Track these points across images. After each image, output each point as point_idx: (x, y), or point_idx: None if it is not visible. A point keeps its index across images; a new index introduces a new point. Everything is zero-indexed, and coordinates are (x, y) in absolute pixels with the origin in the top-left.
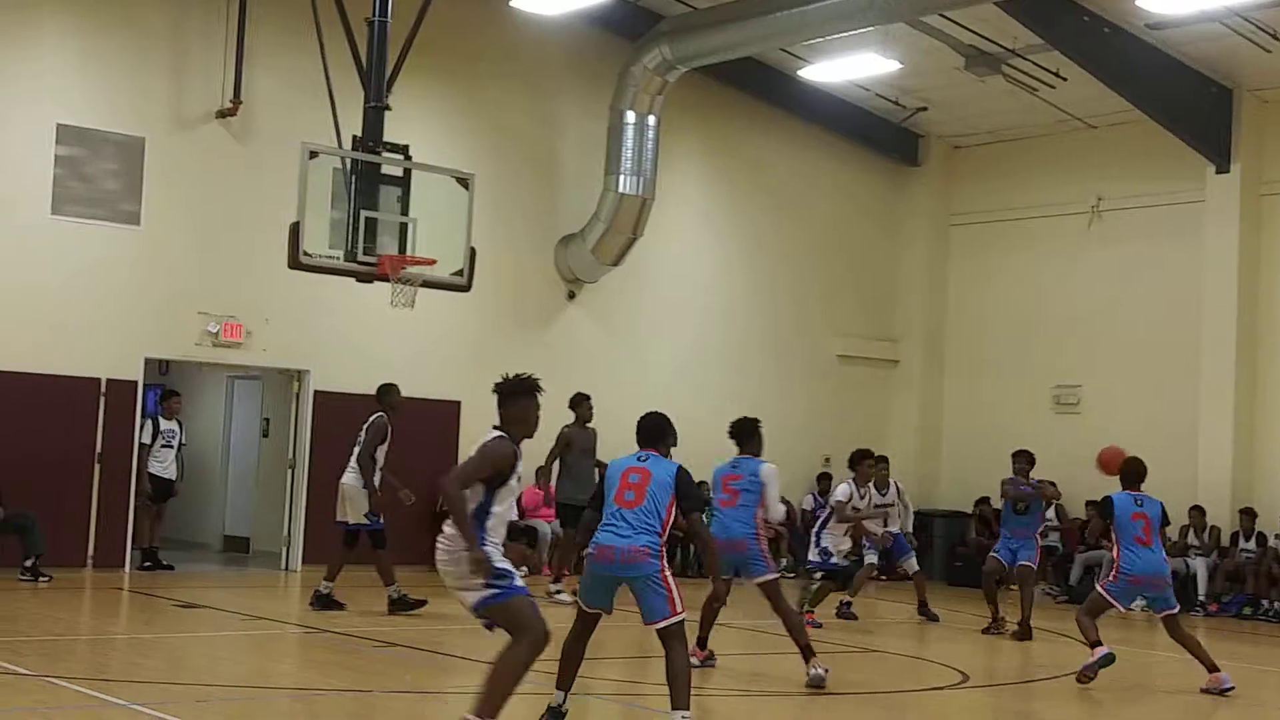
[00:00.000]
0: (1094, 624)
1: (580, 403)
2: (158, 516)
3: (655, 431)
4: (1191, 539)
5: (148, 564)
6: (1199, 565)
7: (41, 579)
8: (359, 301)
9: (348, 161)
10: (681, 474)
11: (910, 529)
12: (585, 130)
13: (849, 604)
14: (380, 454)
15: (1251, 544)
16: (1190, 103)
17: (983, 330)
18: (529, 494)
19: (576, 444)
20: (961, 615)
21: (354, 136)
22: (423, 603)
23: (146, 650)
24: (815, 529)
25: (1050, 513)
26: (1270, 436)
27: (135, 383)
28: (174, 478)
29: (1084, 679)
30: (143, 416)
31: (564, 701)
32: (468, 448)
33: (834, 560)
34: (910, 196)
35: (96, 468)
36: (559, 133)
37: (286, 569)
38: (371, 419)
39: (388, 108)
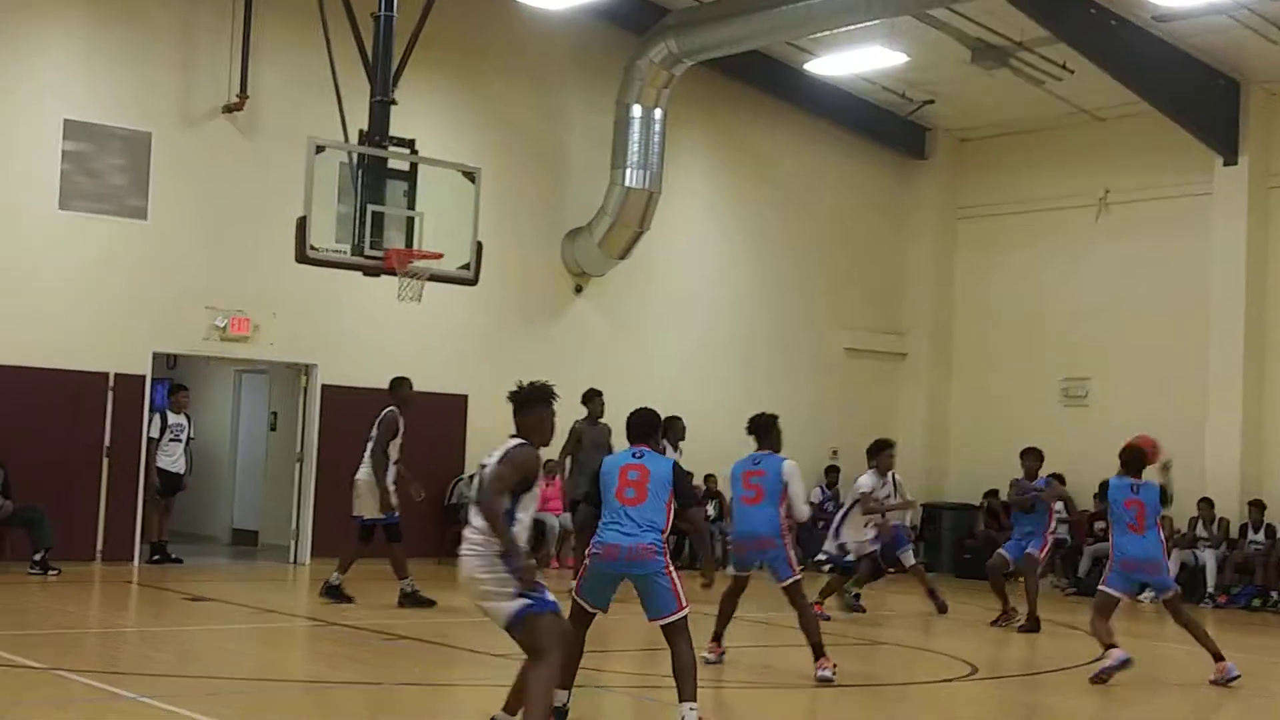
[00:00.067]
0: (1108, 626)
1: (592, 398)
2: (166, 510)
3: (646, 427)
4: (1200, 531)
5: (156, 557)
6: (1208, 557)
7: (51, 572)
8: (366, 295)
9: (354, 156)
10: (677, 470)
11: (908, 521)
12: (591, 124)
13: (857, 596)
14: (393, 448)
15: (1260, 536)
16: (1198, 95)
17: (990, 323)
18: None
19: (588, 439)
20: (969, 608)
21: (360, 131)
22: (433, 603)
23: (156, 643)
24: (836, 522)
25: (1058, 505)
26: (1279, 428)
27: (143, 377)
28: (182, 471)
29: (1099, 680)
30: (151, 411)
31: (568, 700)
32: (475, 442)
33: (849, 558)
34: (917, 190)
35: (105, 462)
36: (565, 127)
37: (295, 562)
38: (382, 414)
39: (394, 102)
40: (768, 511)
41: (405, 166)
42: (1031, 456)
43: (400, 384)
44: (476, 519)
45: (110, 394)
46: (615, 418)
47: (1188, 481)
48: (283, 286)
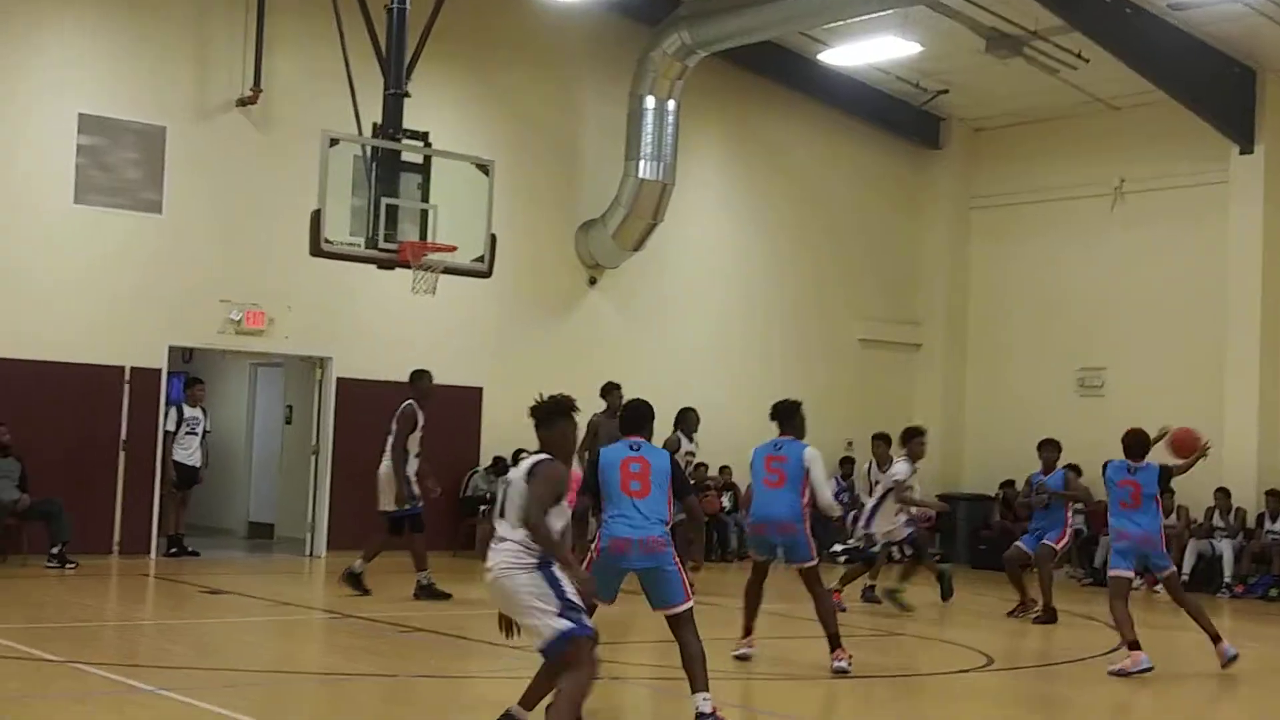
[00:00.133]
0: (1129, 615)
1: (610, 391)
2: (183, 503)
3: (641, 418)
4: (1217, 521)
5: (173, 550)
6: (1225, 547)
7: (68, 566)
8: (380, 288)
9: (368, 149)
10: (673, 460)
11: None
12: (605, 116)
13: (872, 588)
14: (413, 442)
15: (1277, 525)
16: (1213, 83)
17: (1005, 313)
18: None
19: (604, 433)
20: (986, 599)
21: (374, 124)
22: (449, 595)
23: (173, 636)
24: (867, 511)
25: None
26: None
27: (159, 371)
28: (198, 465)
29: (1118, 675)
30: (167, 404)
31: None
32: (490, 434)
33: (874, 549)
34: (931, 180)
35: (122, 455)
36: (579, 118)
37: (311, 555)
38: (401, 408)
39: (407, 95)
40: (789, 496)
41: (419, 159)
42: (1049, 448)
43: (420, 377)
44: (510, 533)
45: (126, 388)
46: None
47: (1204, 471)
48: (297, 280)
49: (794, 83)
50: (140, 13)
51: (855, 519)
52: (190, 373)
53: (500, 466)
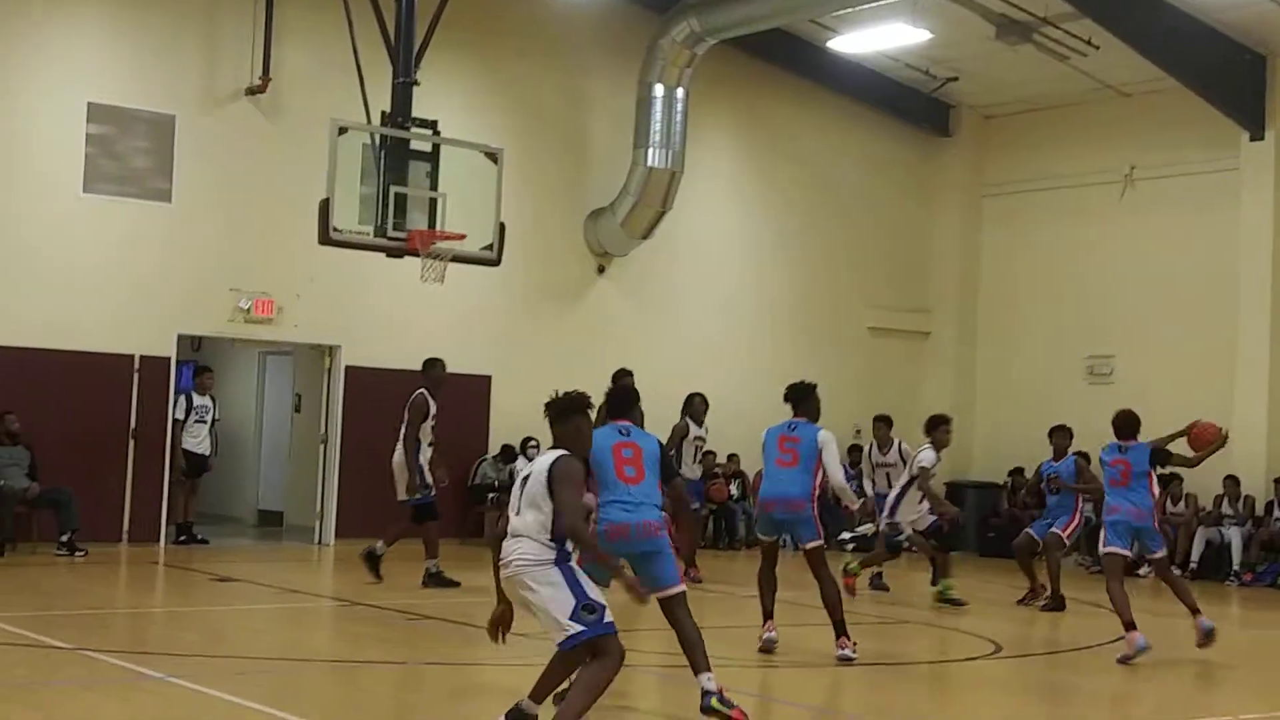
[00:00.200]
0: (1125, 595)
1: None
2: (192, 491)
3: (627, 402)
4: (1226, 508)
5: (182, 538)
6: (1234, 535)
7: (77, 553)
8: (389, 277)
9: (377, 137)
10: (661, 444)
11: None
12: (614, 104)
13: (880, 575)
14: (425, 431)
15: None
16: (1224, 70)
17: (1015, 301)
18: None
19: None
20: (995, 586)
21: (383, 112)
22: (457, 584)
23: (182, 623)
24: (891, 499)
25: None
26: None
27: (168, 359)
28: (208, 453)
29: (1125, 662)
30: (176, 392)
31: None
32: (498, 422)
33: (900, 537)
34: (941, 167)
35: (131, 443)
36: (587, 107)
37: (319, 543)
38: (412, 396)
39: (416, 83)
40: (800, 476)
41: (428, 148)
42: (1061, 434)
43: (433, 365)
44: (526, 528)
45: (136, 376)
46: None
47: (1213, 459)
48: (306, 268)
49: (803, 70)
50: (150, 2)
51: (880, 509)
52: (199, 361)
53: (509, 454)
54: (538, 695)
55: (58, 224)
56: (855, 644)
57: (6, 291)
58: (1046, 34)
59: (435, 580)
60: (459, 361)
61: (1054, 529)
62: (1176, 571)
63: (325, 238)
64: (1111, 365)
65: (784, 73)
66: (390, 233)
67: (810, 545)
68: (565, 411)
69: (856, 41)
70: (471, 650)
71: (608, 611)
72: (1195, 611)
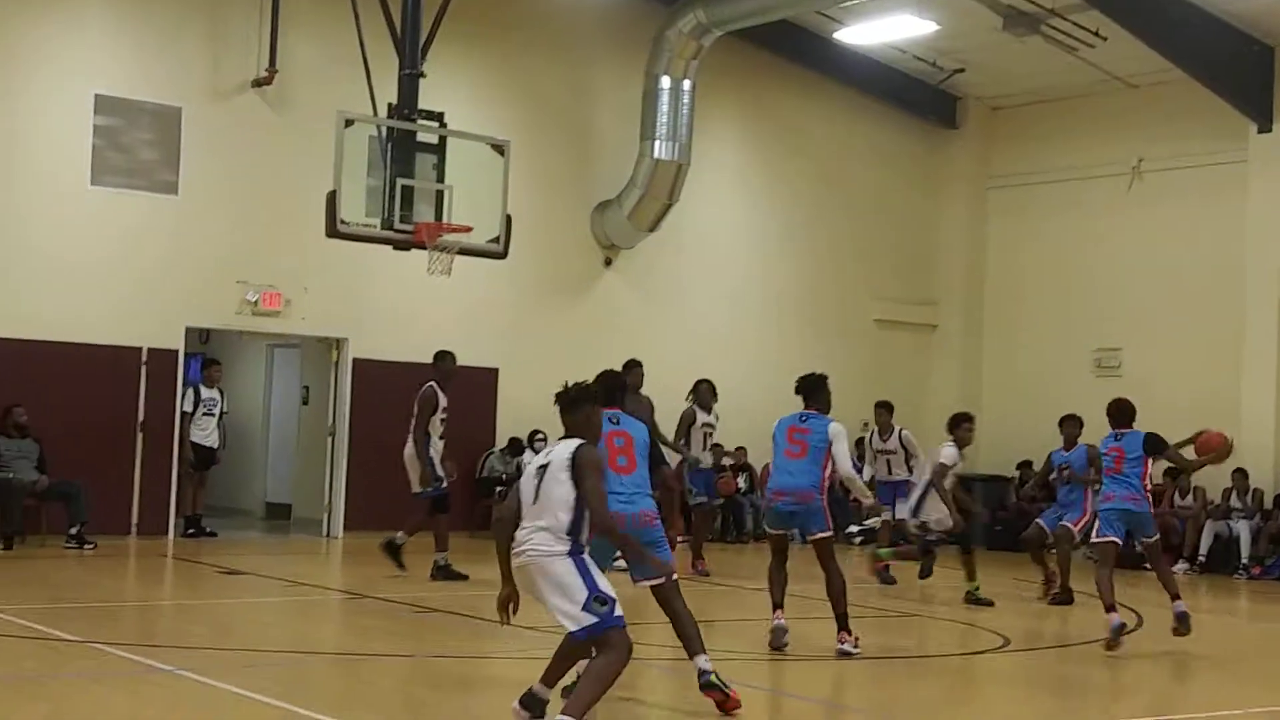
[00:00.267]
0: (1110, 583)
1: (632, 369)
2: (200, 484)
3: (615, 390)
4: (1234, 502)
5: (191, 531)
6: (1242, 528)
7: (86, 546)
8: (396, 269)
9: (383, 129)
10: (649, 432)
11: (915, 477)
12: (620, 96)
13: (887, 568)
14: (435, 423)
15: None
16: (1232, 61)
17: (1022, 293)
18: None
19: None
20: (1002, 580)
21: (389, 104)
22: (465, 577)
23: (191, 616)
24: (915, 499)
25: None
26: None
27: (176, 352)
28: (216, 446)
29: (1111, 647)
30: (184, 385)
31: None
32: (505, 415)
33: (931, 537)
34: (948, 159)
35: (139, 436)
36: (594, 99)
37: (328, 535)
38: (422, 389)
39: (423, 75)
40: (809, 468)
41: (434, 140)
42: (1071, 424)
43: (443, 358)
44: (542, 518)
45: (144, 369)
46: (647, 392)
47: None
48: (313, 261)
49: (810, 62)
50: None
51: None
52: (207, 354)
53: (516, 447)
54: (549, 679)
55: (65, 217)
56: (857, 639)
57: (15, 284)
58: (1054, 25)
59: (444, 573)
60: (466, 354)
61: (1064, 522)
62: (1183, 565)
63: (332, 230)
64: (1119, 358)
65: (791, 64)
66: (397, 225)
67: (819, 536)
68: (576, 401)
69: (863, 33)
70: (480, 643)
71: (618, 604)
72: (1175, 597)
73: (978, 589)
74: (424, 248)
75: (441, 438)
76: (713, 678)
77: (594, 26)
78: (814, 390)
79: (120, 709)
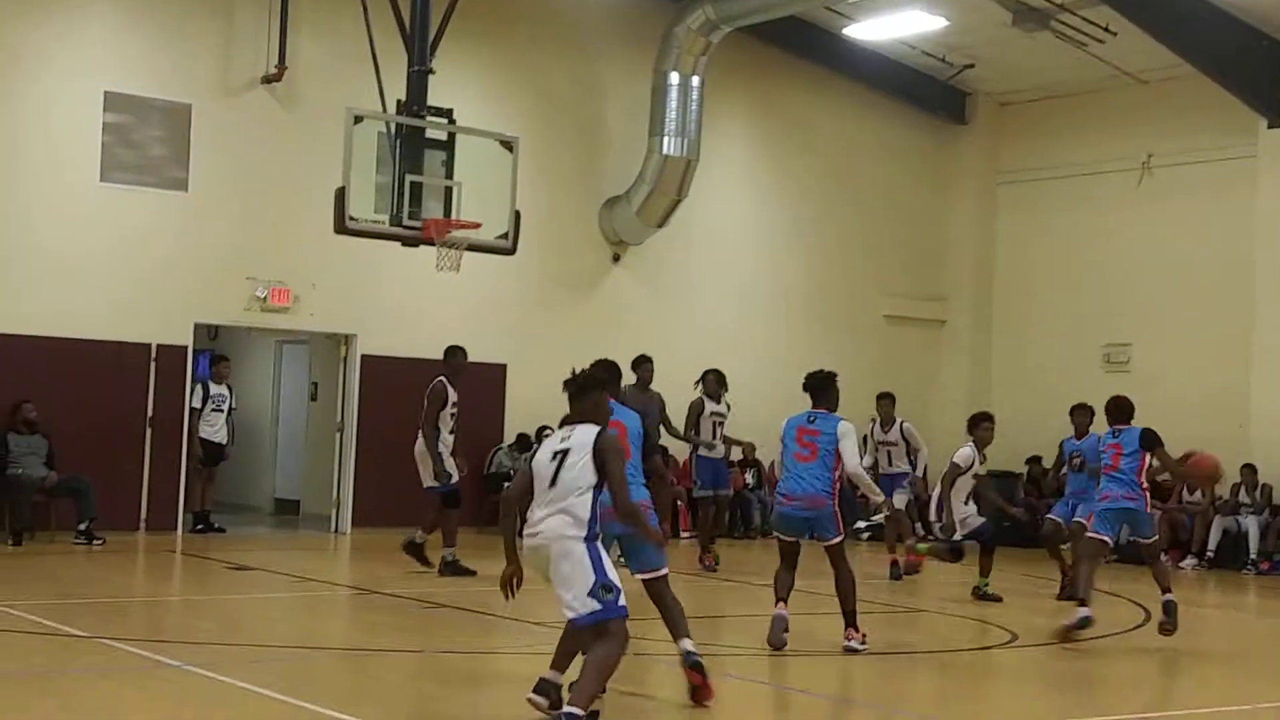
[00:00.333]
0: (1091, 578)
1: (641, 364)
2: (209, 480)
3: (608, 379)
4: (1243, 497)
5: (200, 527)
6: (1250, 523)
7: (95, 542)
8: (405, 266)
9: (392, 126)
10: (643, 421)
11: (918, 471)
12: (629, 92)
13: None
14: (445, 418)
15: None
16: (1241, 57)
17: (1031, 289)
18: None
19: (632, 406)
20: (1010, 576)
21: (398, 101)
22: (473, 572)
23: (199, 612)
24: (935, 503)
25: None
26: None
27: (185, 348)
28: (224, 441)
29: (1066, 638)
30: (193, 381)
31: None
32: (514, 411)
33: (956, 537)
34: (957, 155)
35: (148, 432)
36: (603, 95)
37: (336, 531)
38: (431, 384)
39: (431, 71)
40: (819, 471)
41: (443, 136)
42: (1082, 413)
43: (453, 354)
44: (562, 502)
45: (153, 365)
46: (657, 388)
47: (1231, 447)
48: (322, 257)
49: (819, 58)
50: None
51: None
52: (216, 350)
53: (524, 443)
54: (560, 665)
55: (75, 214)
56: (864, 635)
57: (25, 281)
58: (1063, 21)
59: (452, 568)
60: (475, 350)
61: (1078, 517)
62: (1191, 561)
63: (341, 226)
64: (1128, 353)
65: (799, 60)
66: (406, 222)
67: (832, 542)
68: (585, 388)
69: (872, 29)
70: (488, 639)
71: (622, 594)
72: (1166, 590)
73: (987, 585)
74: (432, 244)
75: (452, 432)
76: (698, 659)
77: (603, 23)
78: (822, 388)
79: (129, 704)
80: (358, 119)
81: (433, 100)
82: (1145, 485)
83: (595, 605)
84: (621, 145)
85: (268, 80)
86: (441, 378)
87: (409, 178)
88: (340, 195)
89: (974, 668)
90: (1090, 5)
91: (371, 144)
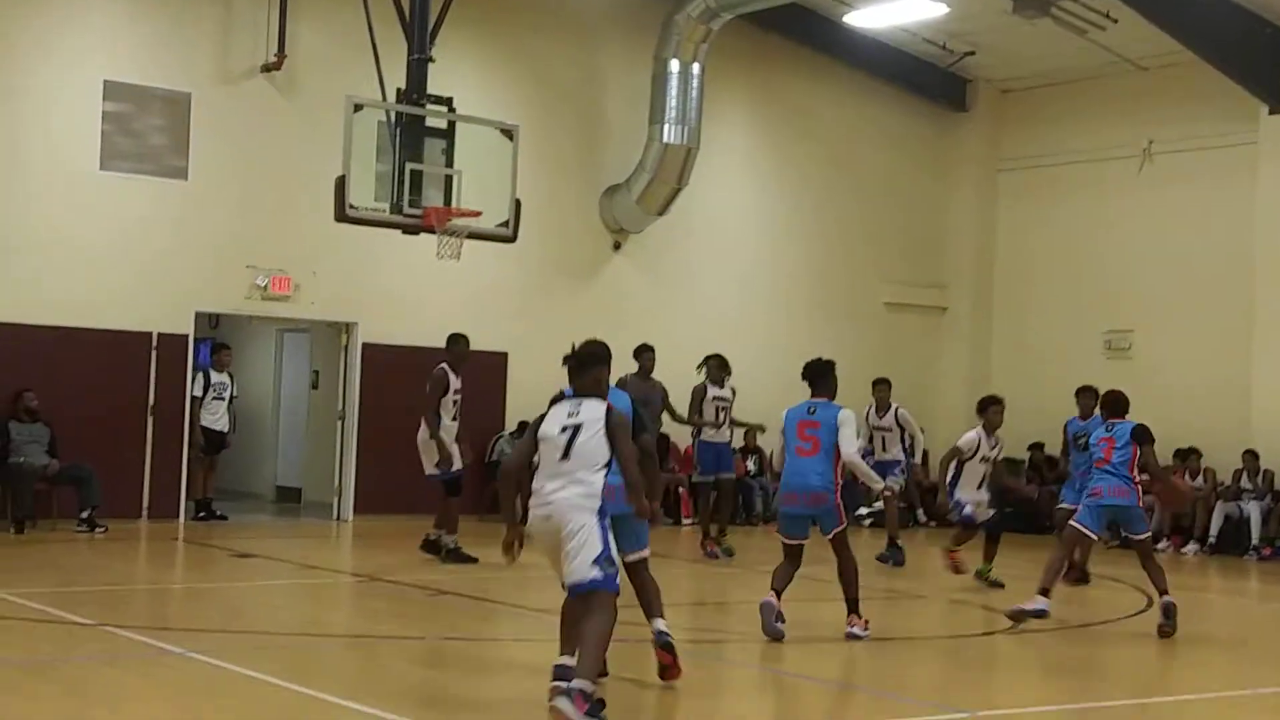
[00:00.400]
0: (1060, 567)
1: (641, 353)
2: (211, 468)
3: (594, 362)
4: (1245, 483)
5: (202, 514)
6: (1252, 509)
7: (98, 530)
8: (405, 254)
9: (392, 114)
10: (633, 403)
11: (915, 457)
12: (629, 80)
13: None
14: (446, 405)
15: None
16: (1243, 43)
17: (1032, 276)
18: None
19: (635, 393)
20: (1013, 562)
21: (398, 89)
22: (475, 559)
23: (202, 599)
24: (949, 480)
25: None
26: None
27: (186, 336)
28: (226, 430)
29: (1015, 620)
30: (194, 370)
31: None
32: (515, 399)
33: (967, 510)
34: (958, 142)
35: (150, 420)
36: (603, 83)
37: (338, 519)
38: (432, 372)
39: (431, 60)
40: (821, 465)
41: (443, 124)
42: (1087, 395)
43: (455, 341)
44: (577, 472)
45: (154, 353)
46: (658, 376)
47: (1232, 433)
48: (323, 245)
49: (819, 45)
50: None
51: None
52: (217, 338)
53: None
54: (570, 648)
55: (75, 202)
56: (867, 622)
57: (25, 270)
58: (1064, 8)
59: (454, 556)
60: (475, 338)
61: (1068, 503)
62: (1193, 547)
63: (341, 215)
64: (1129, 340)
65: (800, 48)
66: (406, 210)
67: (832, 533)
68: (585, 363)
69: (873, 16)
70: (490, 626)
71: (619, 573)
72: (1163, 592)
73: (990, 571)
74: (433, 232)
75: (455, 419)
76: (670, 639)
77: (603, 10)
78: (821, 376)
79: (132, 691)
80: (358, 107)
81: (432, 88)
82: (1138, 479)
83: (596, 575)
84: (622, 133)
85: (267, 69)
86: (443, 365)
87: (409, 166)
88: (340, 184)
89: (977, 654)
90: None
91: (371, 132)
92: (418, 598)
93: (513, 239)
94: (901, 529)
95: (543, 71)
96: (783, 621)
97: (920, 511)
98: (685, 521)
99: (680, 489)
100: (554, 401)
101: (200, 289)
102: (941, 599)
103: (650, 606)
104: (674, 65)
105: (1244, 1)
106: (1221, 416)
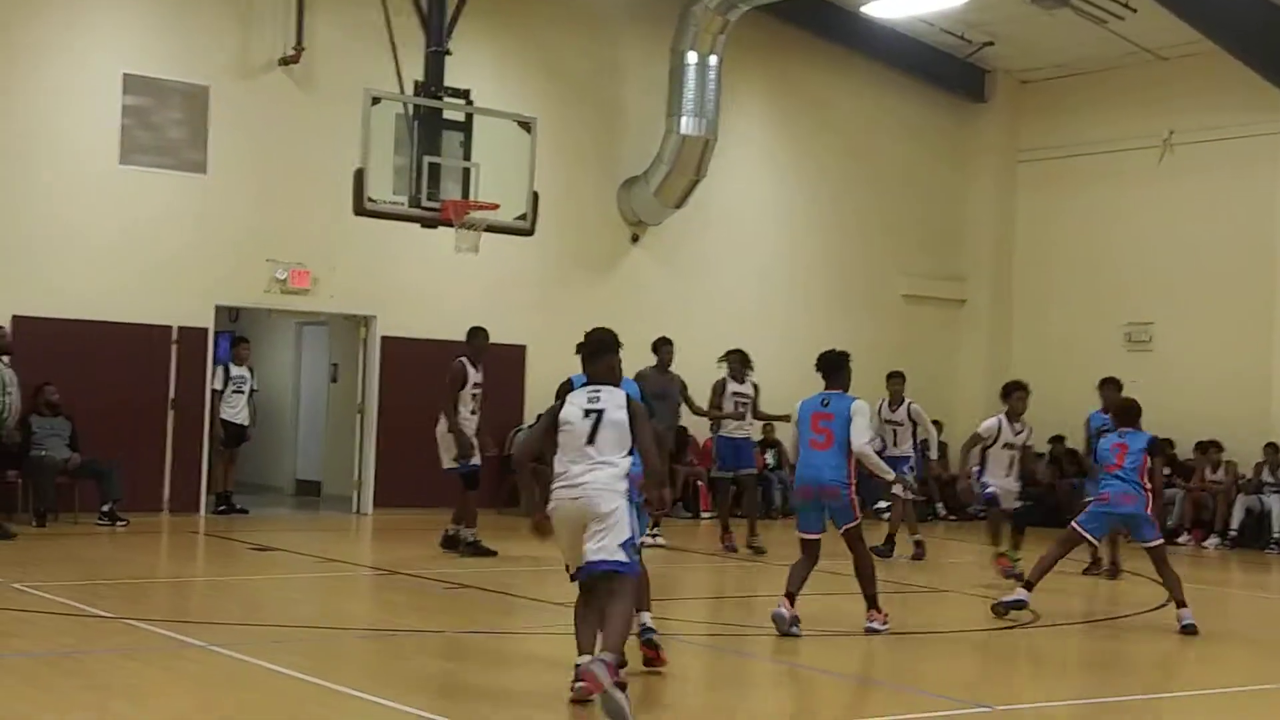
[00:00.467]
0: (1051, 564)
1: (659, 346)
2: (231, 461)
3: (601, 351)
4: (1266, 476)
5: (222, 508)
6: (1274, 502)
7: (119, 523)
8: (424, 247)
9: (410, 107)
10: (640, 390)
11: (929, 451)
12: (646, 72)
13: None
14: (465, 397)
15: None
16: (1263, 32)
17: (1052, 268)
18: None
19: (649, 387)
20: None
21: (416, 82)
22: (493, 553)
23: (223, 592)
24: (975, 467)
25: None
26: None
27: (206, 330)
28: (246, 423)
29: (997, 614)
30: (214, 363)
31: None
32: (534, 392)
33: (991, 491)
34: (977, 133)
35: (170, 414)
36: (620, 75)
37: (357, 512)
38: (451, 364)
39: (448, 52)
40: (836, 459)
41: (461, 117)
42: (1110, 387)
43: (475, 334)
44: (608, 458)
45: (174, 347)
46: (676, 369)
47: (1253, 426)
48: (341, 239)
49: (837, 36)
50: None
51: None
52: (236, 332)
53: None
54: (589, 648)
55: (95, 196)
56: (886, 616)
57: (45, 264)
58: None
59: (473, 549)
60: (494, 331)
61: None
62: (1214, 540)
63: (360, 208)
64: (1150, 332)
65: (817, 39)
66: (424, 203)
67: (846, 528)
68: (597, 351)
69: (891, 6)
70: (510, 619)
71: (640, 560)
72: (1181, 604)
73: (1017, 560)
74: (451, 225)
75: (474, 412)
76: (654, 637)
77: (620, 2)
78: (835, 368)
79: (154, 684)
80: (375, 100)
81: (450, 81)
82: (1148, 486)
83: (622, 557)
84: (639, 125)
85: (285, 62)
86: (462, 358)
87: (427, 159)
88: (359, 177)
89: (997, 648)
90: None
91: (389, 125)
92: (437, 591)
93: (531, 232)
94: (921, 522)
95: (560, 64)
96: (798, 625)
97: (940, 505)
98: (704, 515)
99: (699, 483)
100: (562, 389)
101: (219, 283)
102: (961, 593)
103: (638, 601)
104: (691, 57)
105: None
106: (1242, 409)
